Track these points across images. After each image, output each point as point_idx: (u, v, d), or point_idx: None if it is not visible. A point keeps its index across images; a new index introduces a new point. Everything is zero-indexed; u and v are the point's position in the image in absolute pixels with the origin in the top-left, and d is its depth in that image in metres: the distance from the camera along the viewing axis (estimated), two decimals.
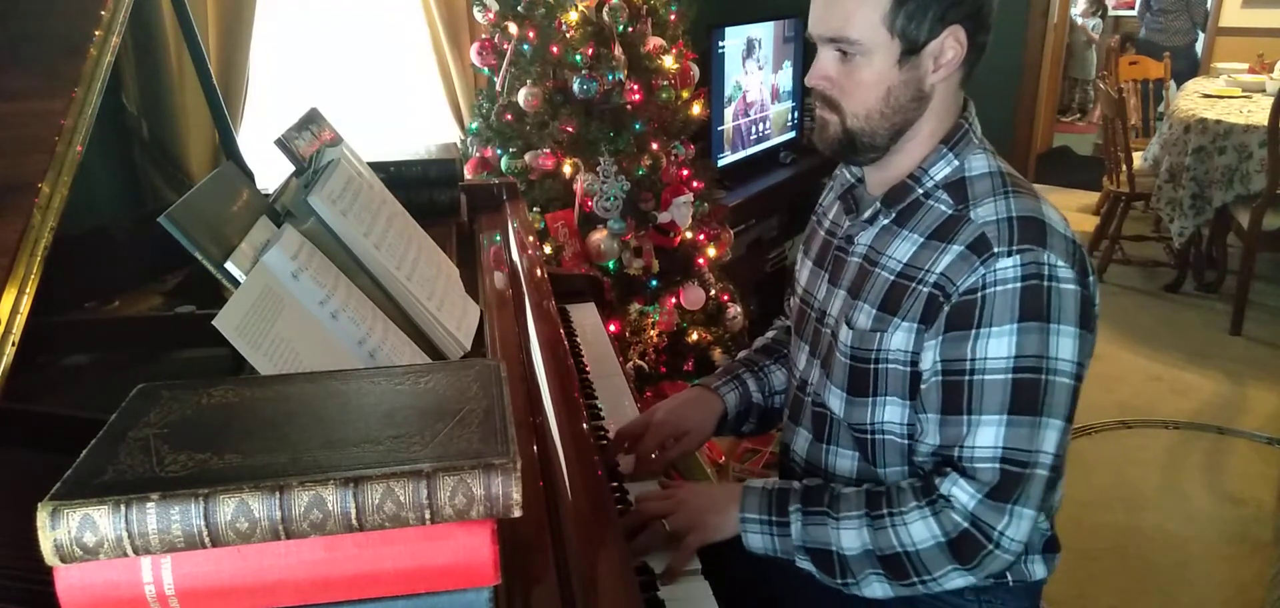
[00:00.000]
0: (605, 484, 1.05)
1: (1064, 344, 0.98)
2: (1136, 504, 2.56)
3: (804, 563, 1.08)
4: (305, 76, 2.45)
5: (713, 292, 2.58)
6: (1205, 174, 3.69)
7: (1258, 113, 3.70)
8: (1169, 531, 2.45)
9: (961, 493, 1.01)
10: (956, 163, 1.07)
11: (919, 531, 1.02)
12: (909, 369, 1.06)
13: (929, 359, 1.03)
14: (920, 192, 1.08)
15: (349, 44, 2.54)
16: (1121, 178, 4.11)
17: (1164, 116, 4.40)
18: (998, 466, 1.00)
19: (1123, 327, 3.72)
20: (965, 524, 1.01)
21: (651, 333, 2.43)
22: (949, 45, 1.02)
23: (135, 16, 1.32)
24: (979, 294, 0.98)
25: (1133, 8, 6.82)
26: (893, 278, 1.06)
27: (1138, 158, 4.22)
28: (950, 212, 1.04)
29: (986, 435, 1.00)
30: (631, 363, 2.37)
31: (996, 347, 0.98)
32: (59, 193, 0.89)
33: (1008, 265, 0.97)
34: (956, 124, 1.08)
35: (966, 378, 1.00)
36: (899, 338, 1.05)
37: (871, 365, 1.08)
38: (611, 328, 1.94)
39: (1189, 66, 5.71)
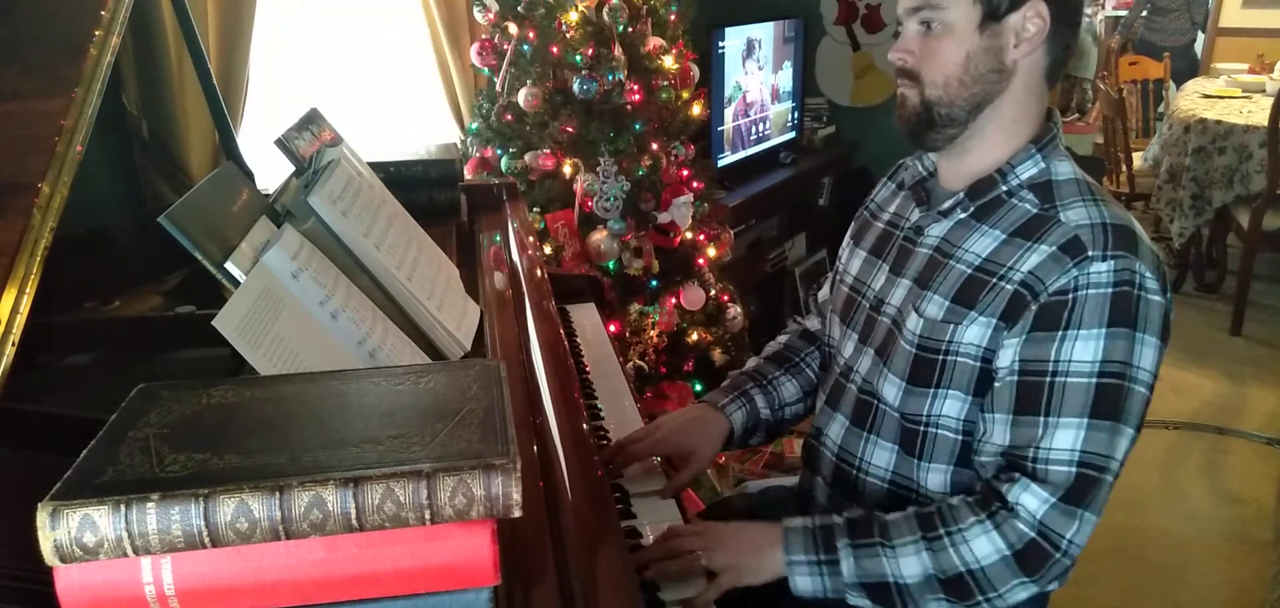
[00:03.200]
0: (605, 484, 1.06)
1: (1147, 354, 0.99)
2: (1136, 504, 2.56)
3: (857, 599, 1.05)
4: (305, 76, 2.45)
5: (713, 292, 2.57)
6: (1205, 174, 3.69)
7: (1258, 113, 3.70)
8: (1169, 531, 2.45)
9: (1032, 499, 0.99)
10: (1043, 164, 1.07)
11: (982, 546, 1.00)
12: (979, 365, 1.04)
13: (1007, 358, 1.02)
14: (1004, 188, 1.07)
15: (349, 44, 2.54)
16: (1121, 178, 4.11)
17: (1164, 117, 4.41)
18: (1074, 469, 0.98)
19: None
20: (1032, 534, 0.99)
21: (651, 333, 2.43)
22: (1031, 20, 1.03)
23: (135, 16, 1.32)
24: (1070, 296, 0.98)
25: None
26: (970, 271, 1.06)
27: (1138, 158, 4.22)
28: (1036, 211, 1.04)
29: (1065, 438, 0.98)
30: (631, 363, 2.37)
31: (1083, 350, 0.98)
32: (59, 193, 0.89)
33: (1102, 270, 0.97)
34: (1046, 128, 1.09)
35: (1048, 379, 0.99)
36: (974, 332, 1.04)
37: (940, 356, 1.07)
38: (611, 328, 1.94)
39: (1188, 66, 5.71)
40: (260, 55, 2.18)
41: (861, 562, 1.03)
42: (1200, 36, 6.01)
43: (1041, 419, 1.00)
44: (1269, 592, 2.19)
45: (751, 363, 1.41)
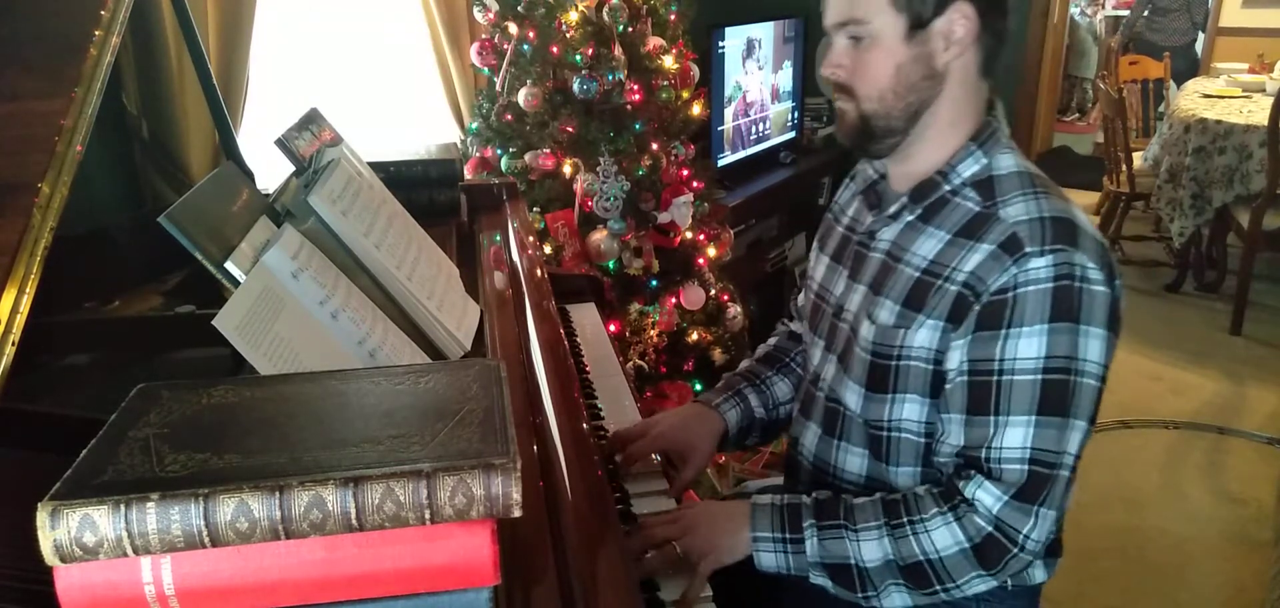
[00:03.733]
0: (605, 484, 1.05)
1: (1093, 346, 0.98)
2: (1136, 504, 2.56)
3: (819, 579, 1.06)
4: (305, 76, 2.45)
5: (713, 292, 2.58)
6: (1205, 174, 3.69)
7: (1258, 113, 3.70)
8: (1169, 531, 2.45)
9: (987, 496, 1.00)
10: (985, 161, 1.07)
11: (942, 537, 1.01)
12: (931, 368, 1.05)
13: (956, 359, 1.02)
14: (948, 188, 1.07)
15: (349, 44, 2.54)
16: (1121, 178, 4.11)
17: (1164, 116, 4.41)
18: (1026, 467, 0.99)
19: (1123, 327, 3.72)
20: (989, 528, 1.00)
21: (651, 333, 2.43)
22: (957, 22, 1.02)
23: (135, 16, 1.32)
24: (1010, 294, 0.98)
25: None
26: (917, 274, 1.06)
27: (1138, 158, 4.22)
28: (977, 209, 1.04)
29: (1015, 436, 0.99)
30: (631, 363, 2.37)
31: (1027, 347, 0.98)
32: (59, 193, 0.89)
33: (1040, 265, 0.97)
34: (985, 123, 1.08)
35: (995, 378, 0.99)
36: (923, 335, 1.04)
37: (893, 362, 1.07)
38: (611, 328, 1.94)
39: (1188, 66, 5.71)
40: (260, 55, 2.18)
41: (825, 543, 1.05)
42: (1200, 36, 6.01)
43: (991, 419, 1.00)
44: (1269, 592, 2.19)
45: (744, 364, 1.42)
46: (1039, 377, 0.98)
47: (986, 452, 1.01)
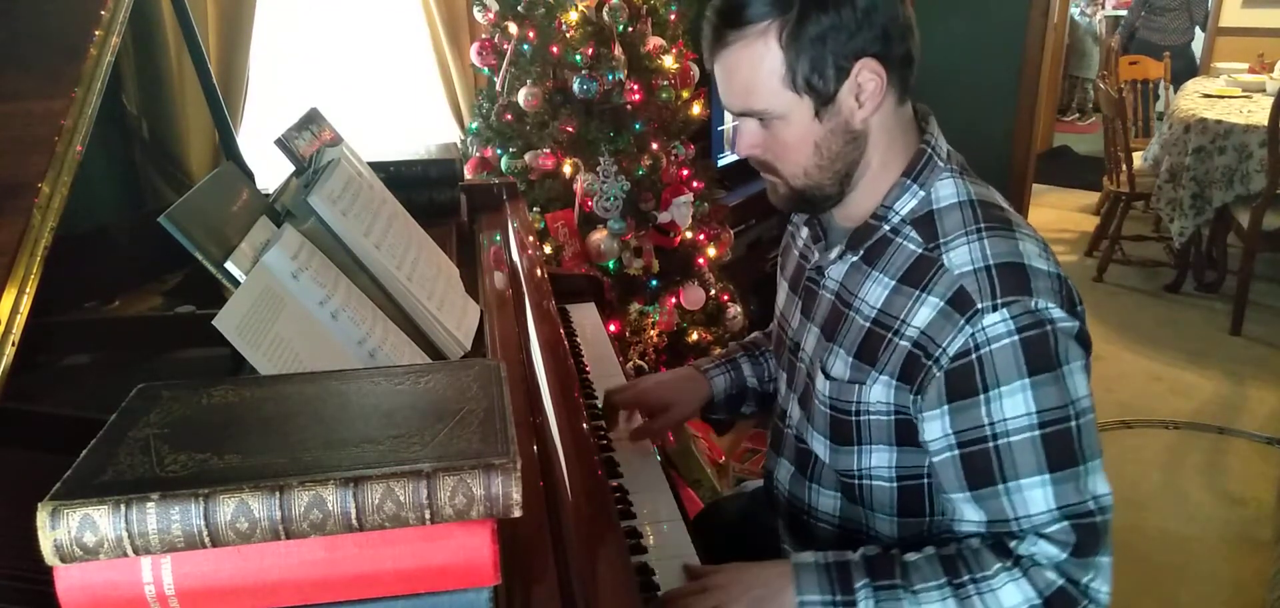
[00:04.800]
0: (605, 484, 1.05)
1: (1078, 381, 0.94)
2: (1136, 504, 2.56)
3: None
4: (305, 76, 2.45)
5: (713, 292, 2.58)
6: (1205, 174, 3.69)
7: (1258, 113, 3.70)
8: (1169, 531, 2.45)
9: (1044, 552, 0.95)
10: (923, 194, 1.02)
11: (1010, 595, 0.94)
12: (892, 418, 1.02)
13: (937, 431, 0.97)
14: (887, 228, 1.03)
15: (349, 44, 2.54)
16: (1121, 178, 4.11)
17: (1164, 116, 4.40)
18: (1068, 525, 0.94)
19: (1123, 327, 3.72)
20: (1060, 580, 0.94)
21: (651, 333, 2.43)
22: (865, 80, 0.96)
23: (135, 16, 1.32)
24: (973, 357, 0.93)
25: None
26: (868, 325, 1.02)
27: (1137, 158, 4.22)
28: (920, 251, 0.99)
29: (1036, 500, 0.94)
30: (631, 363, 2.37)
31: (1012, 406, 0.93)
32: (59, 193, 0.89)
33: (996, 321, 0.92)
34: (918, 151, 1.03)
35: (990, 444, 0.94)
36: (878, 391, 1.01)
37: (853, 417, 1.04)
38: (611, 328, 1.94)
39: (1186, 66, 5.71)
40: (260, 55, 2.18)
41: (882, 604, 0.97)
42: (1200, 36, 6.01)
43: (999, 487, 0.95)
44: (1269, 592, 2.19)
45: (747, 338, 1.45)
46: (1036, 433, 0.93)
47: (1017, 525, 0.95)
